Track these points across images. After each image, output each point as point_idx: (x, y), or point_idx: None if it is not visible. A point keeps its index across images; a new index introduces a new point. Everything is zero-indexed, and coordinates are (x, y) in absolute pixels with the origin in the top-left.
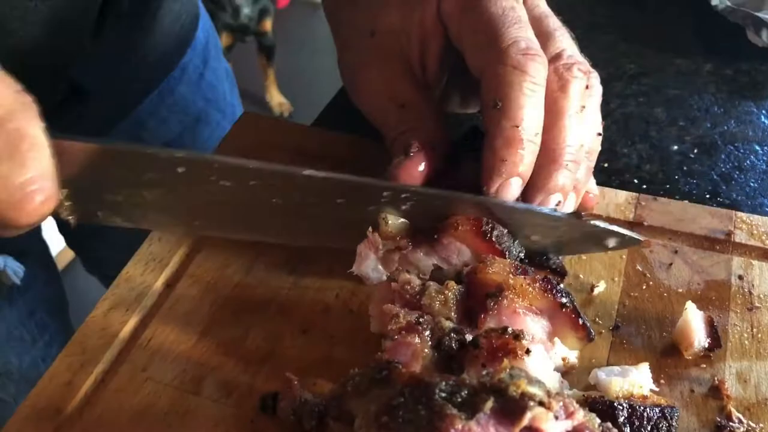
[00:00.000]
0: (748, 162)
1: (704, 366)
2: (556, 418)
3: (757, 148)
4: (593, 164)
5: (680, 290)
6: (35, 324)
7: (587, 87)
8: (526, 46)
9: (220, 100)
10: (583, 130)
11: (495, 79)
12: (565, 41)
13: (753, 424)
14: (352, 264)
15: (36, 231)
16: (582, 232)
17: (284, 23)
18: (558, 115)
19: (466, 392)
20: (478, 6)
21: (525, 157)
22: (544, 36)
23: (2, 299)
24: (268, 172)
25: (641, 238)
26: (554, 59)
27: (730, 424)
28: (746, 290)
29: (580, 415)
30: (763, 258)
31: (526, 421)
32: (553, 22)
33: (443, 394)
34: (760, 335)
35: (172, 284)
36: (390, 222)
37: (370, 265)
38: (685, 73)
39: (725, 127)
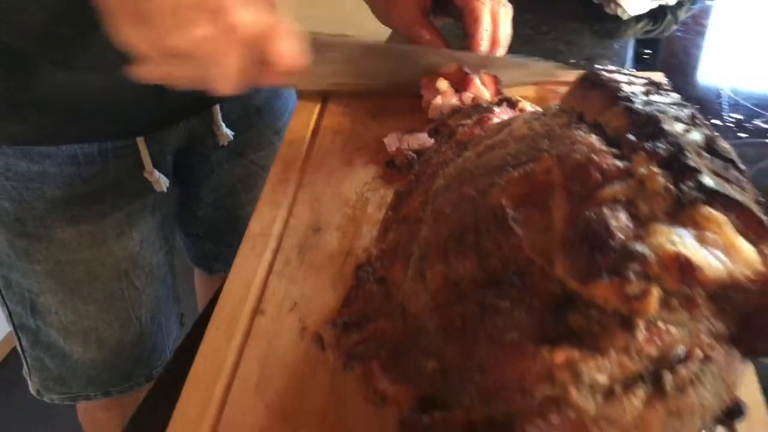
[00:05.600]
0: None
1: None
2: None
3: (615, 59)
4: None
5: None
6: (163, 235)
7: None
8: None
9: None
10: (508, 28)
11: (476, 10)
12: None
13: None
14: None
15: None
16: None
17: None
18: (499, 24)
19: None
20: None
21: (487, 41)
22: None
23: (147, 209)
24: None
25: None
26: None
27: None
28: None
29: (525, 105)
30: None
31: (520, 106)
32: None
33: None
34: None
35: (315, 132)
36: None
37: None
38: (573, 29)
39: (597, 52)
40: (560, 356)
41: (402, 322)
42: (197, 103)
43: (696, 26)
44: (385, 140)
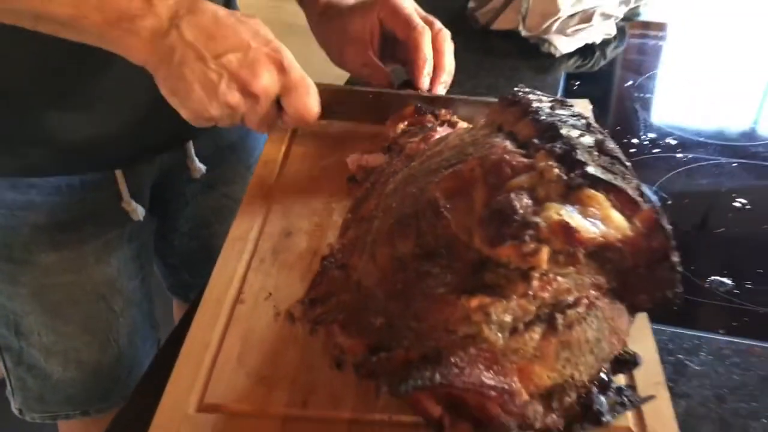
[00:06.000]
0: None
1: None
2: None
3: (549, 90)
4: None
5: None
6: (140, 263)
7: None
8: (424, 26)
9: None
10: (451, 59)
11: (415, 39)
12: (438, 23)
13: None
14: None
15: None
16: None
17: None
18: (443, 52)
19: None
20: (400, 11)
21: (429, 67)
22: (426, 19)
23: (124, 237)
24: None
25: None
26: (438, 30)
27: None
28: None
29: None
30: None
31: (458, 126)
32: (425, 14)
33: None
34: None
35: (287, 155)
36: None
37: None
38: (513, 66)
39: (534, 85)
40: (475, 302)
41: (357, 294)
42: (172, 139)
43: (623, 61)
44: (347, 159)
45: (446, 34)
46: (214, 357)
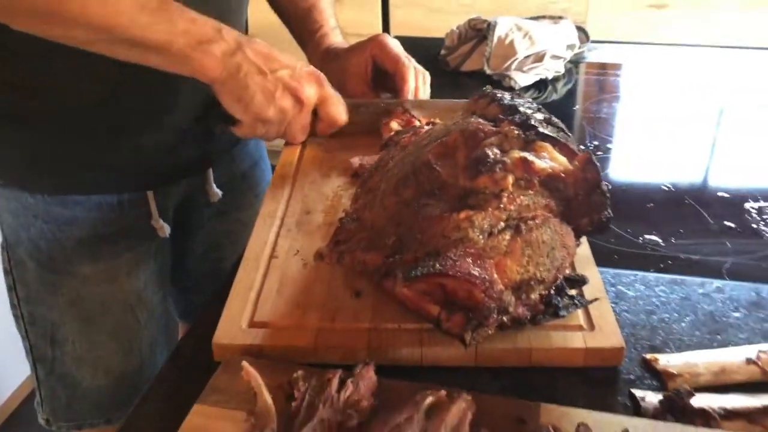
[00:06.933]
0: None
1: None
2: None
3: None
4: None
5: None
6: (161, 280)
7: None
8: (409, 62)
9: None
10: (428, 89)
11: (402, 72)
12: (413, 61)
13: None
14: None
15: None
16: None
17: None
18: (419, 86)
19: None
20: (389, 50)
21: (411, 96)
22: (408, 59)
23: (151, 252)
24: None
25: None
26: (417, 69)
27: None
28: None
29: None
30: None
31: None
32: (408, 55)
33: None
34: None
35: (300, 159)
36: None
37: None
38: None
39: None
40: (462, 215)
41: (371, 232)
42: (195, 166)
43: (578, 93)
44: (351, 160)
45: (425, 72)
46: (258, 292)
